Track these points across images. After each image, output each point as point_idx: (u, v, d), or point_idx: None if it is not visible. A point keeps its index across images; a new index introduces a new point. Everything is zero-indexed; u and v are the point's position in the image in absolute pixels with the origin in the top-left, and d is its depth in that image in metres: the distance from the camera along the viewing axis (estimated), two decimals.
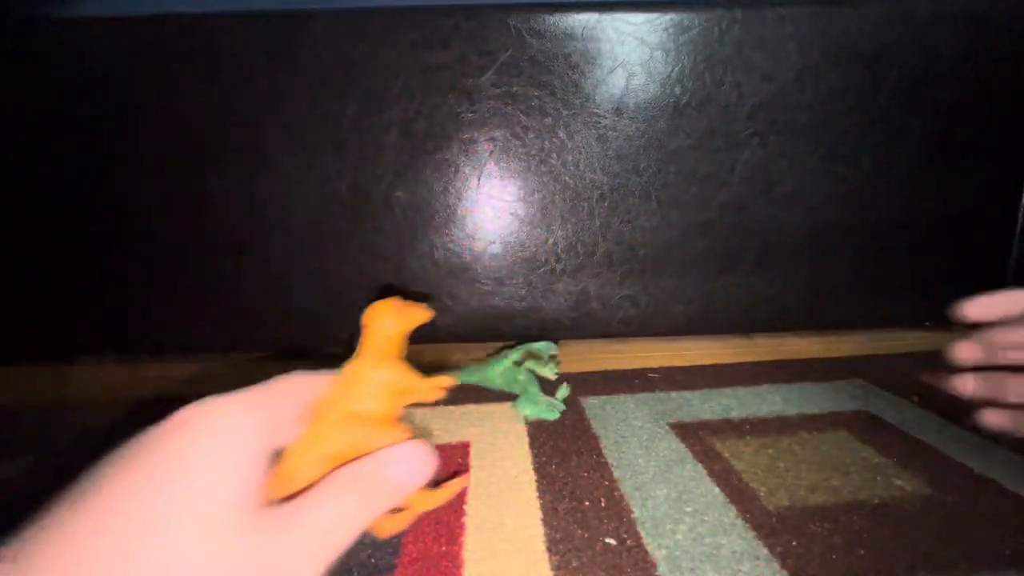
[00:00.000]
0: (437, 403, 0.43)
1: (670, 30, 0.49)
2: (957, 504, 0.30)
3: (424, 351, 0.56)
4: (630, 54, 0.49)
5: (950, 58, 0.51)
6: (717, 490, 0.32)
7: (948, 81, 0.51)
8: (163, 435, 0.17)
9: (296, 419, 0.20)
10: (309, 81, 0.49)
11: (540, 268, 0.54)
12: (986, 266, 0.57)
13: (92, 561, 0.14)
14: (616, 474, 0.34)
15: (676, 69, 0.50)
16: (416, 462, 0.20)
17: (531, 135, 0.51)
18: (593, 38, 0.49)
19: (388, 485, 0.19)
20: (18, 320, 0.53)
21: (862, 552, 0.27)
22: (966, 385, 0.29)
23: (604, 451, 0.36)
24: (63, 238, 0.51)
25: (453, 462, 0.36)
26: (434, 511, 0.30)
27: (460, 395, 0.45)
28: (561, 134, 0.51)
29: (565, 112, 0.50)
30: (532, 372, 0.46)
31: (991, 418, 0.29)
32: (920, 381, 0.46)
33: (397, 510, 0.22)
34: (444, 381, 0.23)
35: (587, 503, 0.31)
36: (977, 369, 0.29)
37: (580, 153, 0.51)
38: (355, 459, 0.20)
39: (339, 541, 0.17)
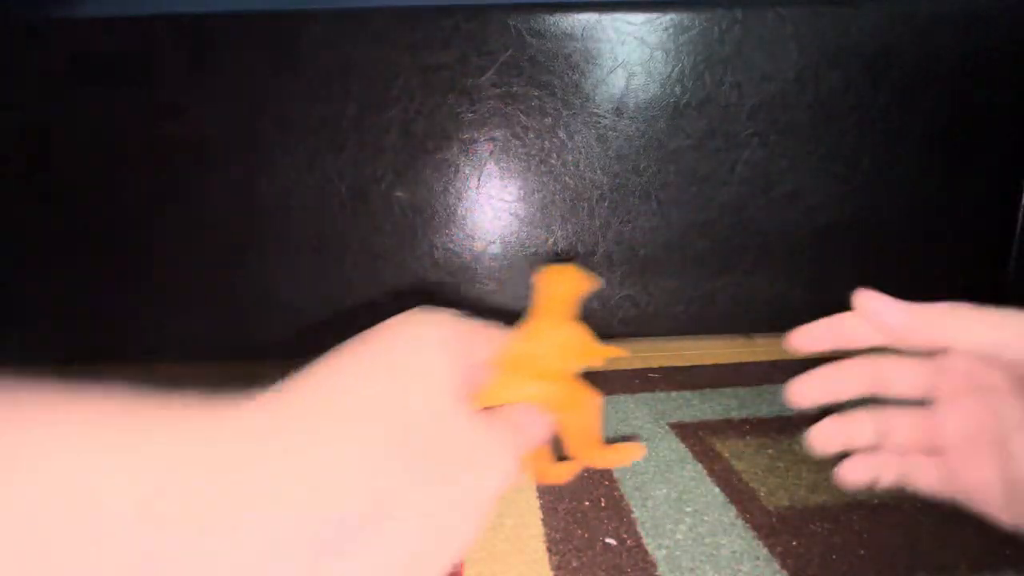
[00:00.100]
0: None
1: (670, 30, 0.49)
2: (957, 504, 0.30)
3: None
4: (630, 54, 0.49)
5: (950, 58, 0.51)
6: (717, 490, 0.32)
7: (948, 81, 0.51)
8: (390, 325, 0.18)
9: (482, 365, 0.20)
10: (309, 81, 0.49)
11: (540, 268, 0.54)
12: (986, 266, 0.57)
13: (348, 393, 0.15)
14: (616, 474, 0.34)
15: (676, 69, 0.50)
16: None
17: (531, 135, 0.51)
18: (593, 38, 0.49)
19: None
20: (18, 321, 0.53)
21: (862, 552, 0.27)
22: (824, 438, 0.23)
23: None
24: (61, 239, 0.51)
25: None
26: None
27: None
28: (561, 134, 0.51)
29: (565, 112, 0.50)
30: None
31: (856, 473, 0.23)
32: None
33: (564, 459, 0.23)
34: (615, 351, 0.23)
35: (587, 503, 0.31)
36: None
37: (580, 153, 0.51)
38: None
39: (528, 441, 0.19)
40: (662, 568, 0.26)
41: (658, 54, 0.49)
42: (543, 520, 0.30)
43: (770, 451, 0.36)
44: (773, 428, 0.39)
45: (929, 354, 0.23)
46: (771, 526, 0.29)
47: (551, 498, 0.31)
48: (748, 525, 0.29)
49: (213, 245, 0.52)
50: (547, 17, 0.48)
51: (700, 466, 0.34)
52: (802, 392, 0.23)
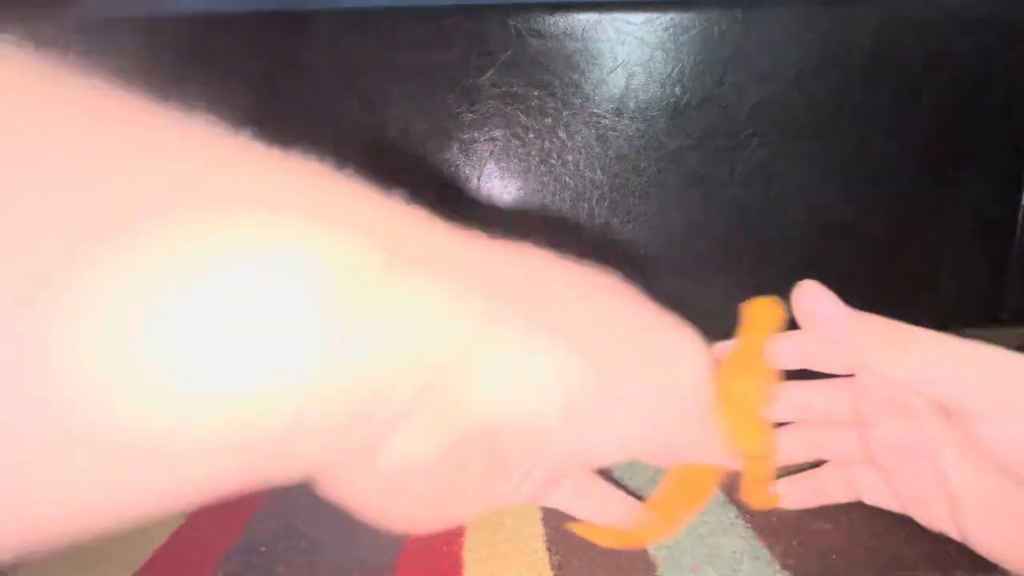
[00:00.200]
0: None
1: (670, 30, 0.49)
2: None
3: None
4: (630, 54, 0.49)
5: (950, 58, 0.51)
6: (717, 490, 0.32)
7: (948, 81, 0.51)
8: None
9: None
10: (309, 81, 0.49)
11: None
12: (986, 267, 0.57)
13: None
14: (616, 474, 0.34)
15: (676, 69, 0.50)
16: None
17: (531, 135, 0.51)
18: (593, 38, 0.49)
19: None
20: None
21: (862, 552, 0.27)
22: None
23: None
24: None
25: None
26: None
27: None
28: (561, 134, 0.51)
29: (565, 112, 0.50)
30: None
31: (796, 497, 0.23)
32: None
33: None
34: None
35: None
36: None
37: (580, 153, 0.51)
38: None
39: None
40: (662, 568, 0.26)
41: (658, 54, 0.49)
42: (543, 520, 0.30)
43: None
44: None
45: (844, 375, 0.23)
46: (771, 526, 0.29)
47: None
48: (748, 525, 0.29)
49: None
50: (547, 17, 0.48)
51: None
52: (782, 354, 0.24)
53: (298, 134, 0.51)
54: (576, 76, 0.49)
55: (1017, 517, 0.19)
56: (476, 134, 0.50)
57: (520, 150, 0.51)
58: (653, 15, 0.48)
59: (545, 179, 0.52)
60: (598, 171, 0.52)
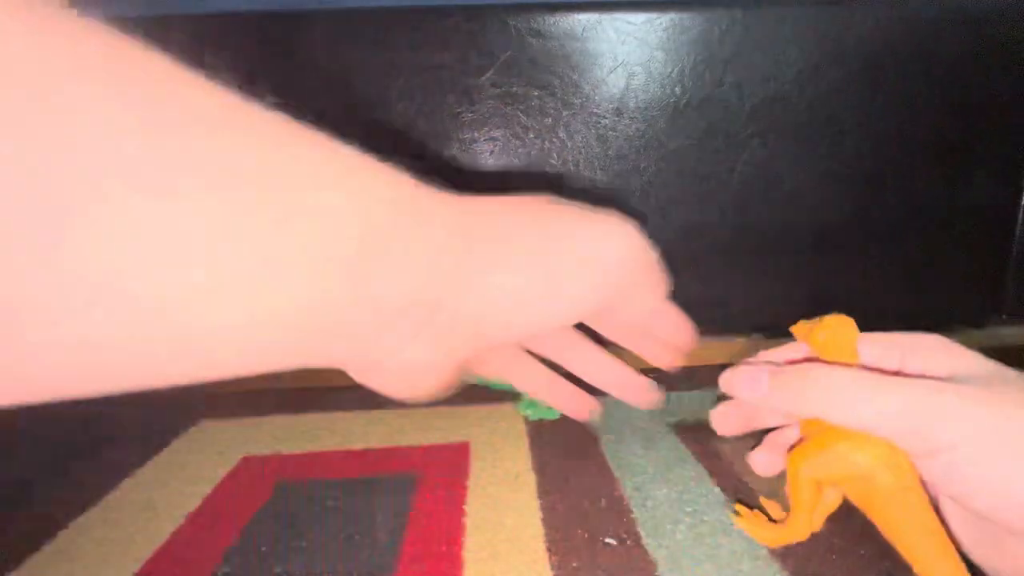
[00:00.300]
0: (436, 403, 0.43)
1: (670, 30, 0.49)
2: None
3: None
4: (630, 54, 0.49)
5: (950, 58, 0.51)
6: (717, 490, 0.32)
7: (948, 81, 0.51)
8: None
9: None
10: (309, 81, 0.49)
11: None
12: (986, 266, 0.57)
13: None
14: (616, 474, 0.34)
15: (676, 69, 0.50)
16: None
17: (531, 135, 0.51)
18: (593, 38, 0.49)
19: None
20: None
21: (862, 552, 0.27)
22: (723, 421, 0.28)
23: (604, 451, 0.36)
24: None
25: (453, 462, 0.36)
26: (434, 511, 0.30)
27: (460, 395, 0.45)
28: (561, 134, 0.51)
29: (565, 112, 0.50)
30: None
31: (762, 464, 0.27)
32: None
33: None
34: None
35: (587, 503, 0.31)
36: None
37: (580, 153, 0.51)
38: None
39: None
40: (662, 568, 0.26)
41: (658, 54, 0.49)
42: (543, 520, 0.30)
43: None
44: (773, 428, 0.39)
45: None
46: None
47: (551, 498, 0.31)
48: None
49: None
50: (547, 17, 0.48)
51: (700, 466, 0.34)
52: (723, 420, 0.28)
53: None
54: (576, 76, 0.49)
55: (989, 542, 0.20)
56: (476, 134, 0.50)
57: (520, 150, 0.51)
58: (653, 15, 0.48)
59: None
60: (598, 171, 0.52)
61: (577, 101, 0.50)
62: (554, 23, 0.48)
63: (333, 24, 0.48)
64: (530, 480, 0.33)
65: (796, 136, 0.52)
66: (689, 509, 0.30)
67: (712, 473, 0.33)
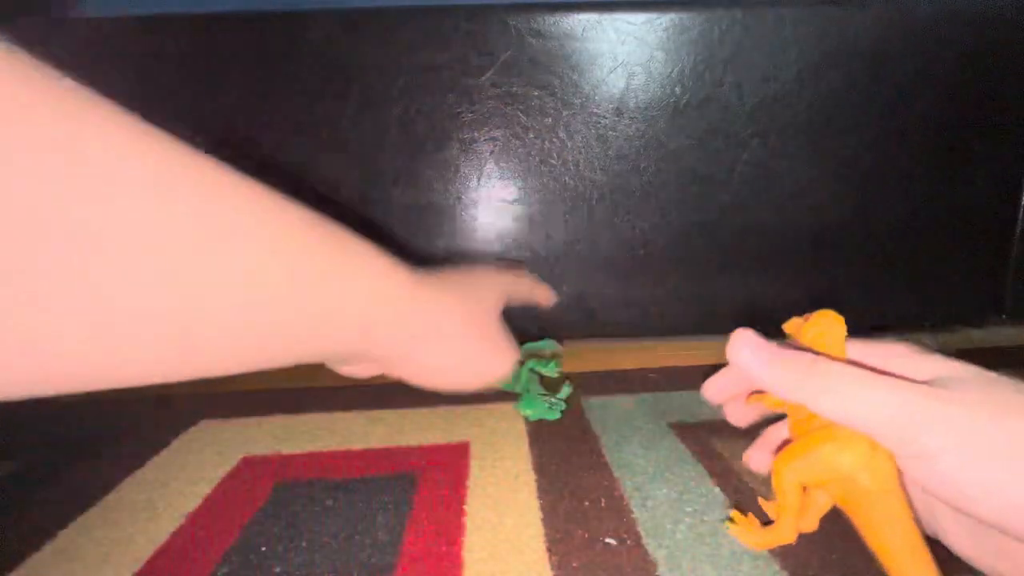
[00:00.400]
0: (436, 403, 0.43)
1: (670, 30, 0.49)
2: None
3: None
4: (630, 54, 0.49)
5: (950, 58, 0.51)
6: (717, 490, 0.32)
7: (948, 81, 0.51)
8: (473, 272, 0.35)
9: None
10: (309, 81, 0.49)
11: (540, 268, 0.54)
12: (986, 266, 0.57)
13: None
14: (616, 474, 0.34)
15: (676, 69, 0.50)
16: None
17: (531, 135, 0.51)
18: (593, 38, 0.49)
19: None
20: None
21: (862, 552, 0.27)
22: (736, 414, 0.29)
23: (604, 451, 0.36)
24: None
25: (453, 462, 0.36)
26: (434, 511, 0.30)
27: (460, 395, 0.45)
28: (561, 134, 0.51)
29: (565, 112, 0.50)
30: (534, 371, 0.46)
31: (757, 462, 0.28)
32: None
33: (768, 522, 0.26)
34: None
35: (587, 503, 0.31)
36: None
37: (580, 153, 0.51)
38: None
39: None
40: (662, 568, 0.26)
41: (658, 54, 0.49)
42: (543, 520, 0.29)
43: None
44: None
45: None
46: None
47: (551, 498, 0.31)
48: None
49: None
50: (547, 17, 0.48)
51: (700, 466, 0.34)
52: (713, 389, 0.28)
53: (298, 134, 0.51)
54: (576, 76, 0.49)
55: (980, 539, 0.20)
56: (476, 134, 0.50)
57: (520, 150, 0.51)
58: (653, 15, 0.48)
59: (545, 179, 0.52)
60: (598, 171, 0.52)
61: (577, 101, 0.50)
62: (554, 23, 0.48)
63: (333, 24, 0.48)
64: (530, 480, 0.33)
65: (796, 136, 0.52)
66: (689, 509, 0.30)
67: (712, 473, 0.33)
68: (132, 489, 0.34)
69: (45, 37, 0.48)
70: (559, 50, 0.49)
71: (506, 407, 0.43)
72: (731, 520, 0.28)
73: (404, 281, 0.26)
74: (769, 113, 0.51)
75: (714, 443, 0.37)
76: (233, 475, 0.35)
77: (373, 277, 0.24)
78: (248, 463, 0.37)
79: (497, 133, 0.50)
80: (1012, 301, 0.57)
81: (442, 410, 0.43)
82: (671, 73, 0.50)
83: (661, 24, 0.49)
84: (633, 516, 0.30)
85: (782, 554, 0.26)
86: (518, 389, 0.45)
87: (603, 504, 0.31)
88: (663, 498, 0.31)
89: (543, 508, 0.31)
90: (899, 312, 0.57)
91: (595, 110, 0.50)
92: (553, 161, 0.51)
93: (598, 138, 0.51)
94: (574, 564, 0.26)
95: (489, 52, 0.48)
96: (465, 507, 0.31)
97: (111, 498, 0.33)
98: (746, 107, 0.51)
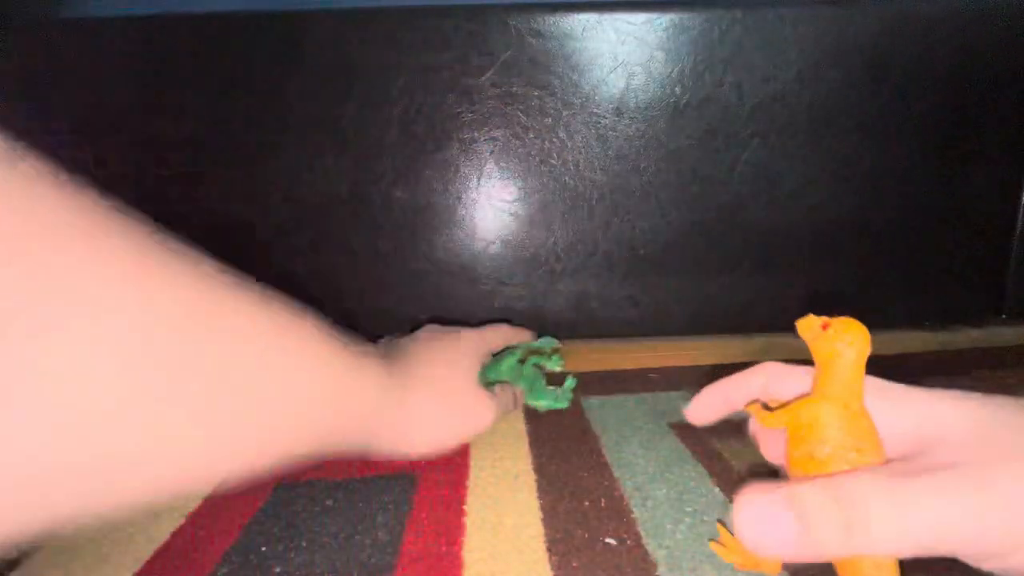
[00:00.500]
0: None
1: (670, 30, 0.49)
2: None
3: None
4: (630, 54, 0.49)
5: (950, 58, 0.51)
6: (717, 490, 0.32)
7: (948, 81, 0.51)
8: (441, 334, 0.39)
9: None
10: (309, 81, 0.49)
11: (540, 268, 0.54)
12: (986, 266, 0.57)
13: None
14: (616, 474, 0.34)
15: (676, 69, 0.50)
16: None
17: (531, 135, 0.51)
18: (593, 38, 0.49)
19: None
20: None
21: None
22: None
23: (604, 451, 0.36)
24: None
25: (453, 462, 0.36)
26: (434, 511, 0.30)
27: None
28: (561, 134, 0.51)
29: (565, 112, 0.50)
30: (538, 366, 0.46)
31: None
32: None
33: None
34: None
35: (587, 503, 0.31)
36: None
37: (580, 153, 0.51)
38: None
39: None
40: (662, 568, 0.26)
41: (658, 54, 0.49)
42: (543, 520, 0.30)
43: None
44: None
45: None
46: None
47: (551, 498, 0.31)
48: None
49: (211, 245, 0.52)
50: (547, 17, 0.48)
51: (700, 466, 0.34)
52: (698, 411, 0.28)
53: (298, 134, 0.51)
54: (576, 76, 0.49)
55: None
56: (476, 134, 0.50)
57: (520, 150, 0.51)
58: (653, 15, 0.48)
59: (545, 179, 0.52)
60: (598, 171, 0.52)
61: (577, 101, 0.50)
62: (554, 23, 0.48)
63: (333, 24, 0.48)
64: (530, 480, 0.33)
65: (796, 136, 0.52)
66: (689, 509, 0.30)
67: (712, 473, 0.33)
68: None
69: (46, 37, 0.48)
70: (559, 50, 0.49)
71: None
72: (720, 530, 0.28)
73: (391, 386, 0.30)
74: (769, 113, 0.51)
75: (714, 443, 0.37)
76: None
77: (364, 402, 0.28)
78: None
79: (497, 133, 0.50)
80: (1012, 301, 0.57)
81: None
82: (671, 73, 0.50)
83: (661, 24, 0.49)
84: (633, 516, 0.30)
85: None
86: (523, 385, 0.45)
87: (603, 504, 0.31)
88: (663, 498, 0.31)
89: (543, 508, 0.31)
90: (899, 312, 0.58)
91: (595, 110, 0.50)
92: (553, 161, 0.51)
93: (598, 138, 0.51)
94: (574, 564, 0.26)
95: (489, 52, 0.48)
96: (465, 507, 0.31)
97: None
98: (746, 107, 0.51)
